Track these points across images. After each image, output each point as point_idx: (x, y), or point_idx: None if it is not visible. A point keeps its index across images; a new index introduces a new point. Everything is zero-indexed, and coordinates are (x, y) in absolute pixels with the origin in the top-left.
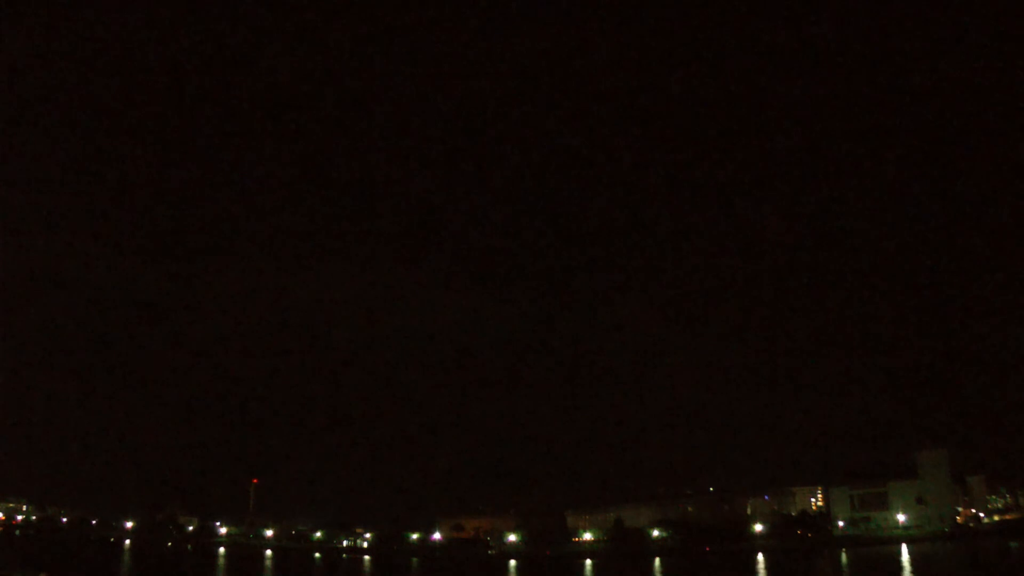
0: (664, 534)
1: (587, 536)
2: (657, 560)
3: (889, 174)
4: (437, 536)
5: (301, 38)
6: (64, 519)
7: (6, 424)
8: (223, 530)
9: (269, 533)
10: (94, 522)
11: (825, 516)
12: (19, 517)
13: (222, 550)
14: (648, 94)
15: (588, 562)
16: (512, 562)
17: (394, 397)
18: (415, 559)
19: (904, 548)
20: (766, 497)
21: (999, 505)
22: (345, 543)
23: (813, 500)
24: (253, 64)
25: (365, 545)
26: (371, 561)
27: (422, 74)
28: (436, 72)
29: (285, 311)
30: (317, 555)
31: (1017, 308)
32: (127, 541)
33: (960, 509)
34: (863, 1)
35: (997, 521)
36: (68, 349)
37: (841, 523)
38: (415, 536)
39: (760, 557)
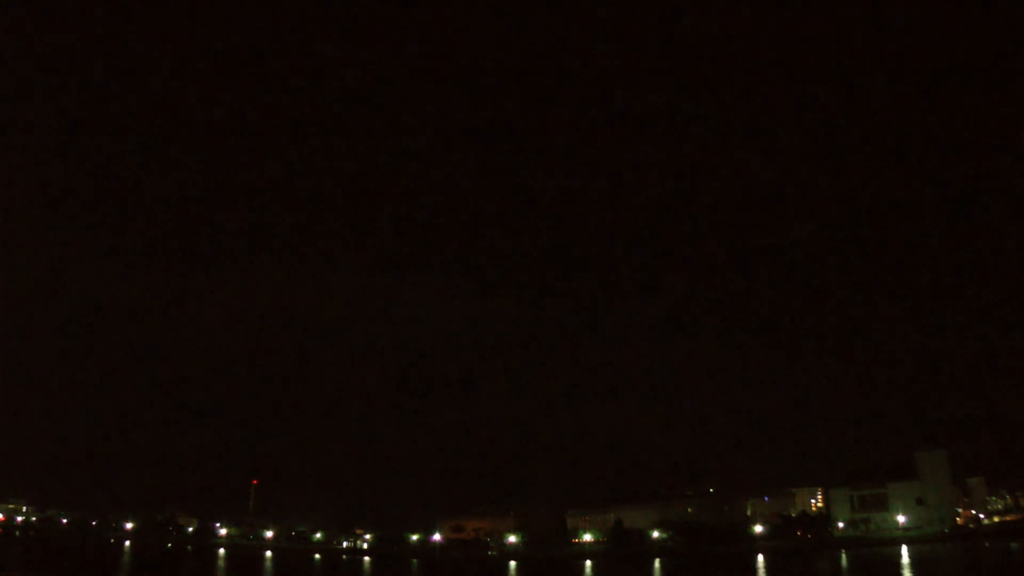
0: (664, 535)
1: (587, 537)
2: (657, 561)
3: (887, 173)
4: (437, 537)
5: (303, 38)
6: (64, 520)
7: (6, 424)
8: (223, 531)
9: (269, 534)
10: (94, 523)
11: (825, 517)
12: (19, 518)
13: (222, 551)
14: (649, 94)
15: (588, 563)
16: (512, 563)
17: (394, 398)
18: (415, 560)
19: (904, 549)
20: (766, 498)
21: (999, 506)
22: (345, 544)
23: (813, 501)
24: (255, 64)
25: (365, 546)
26: (371, 562)
27: (424, 75)
28: (437, 73)
29: (285, 312)
30: (317, 556)
31: (1018, 308)
32: (127, 542)
33: (960, 510)
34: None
35: (997, 522)
36: (68, 350)
37: (841, 524)
38: (415, 537)
39: (760, 558)
